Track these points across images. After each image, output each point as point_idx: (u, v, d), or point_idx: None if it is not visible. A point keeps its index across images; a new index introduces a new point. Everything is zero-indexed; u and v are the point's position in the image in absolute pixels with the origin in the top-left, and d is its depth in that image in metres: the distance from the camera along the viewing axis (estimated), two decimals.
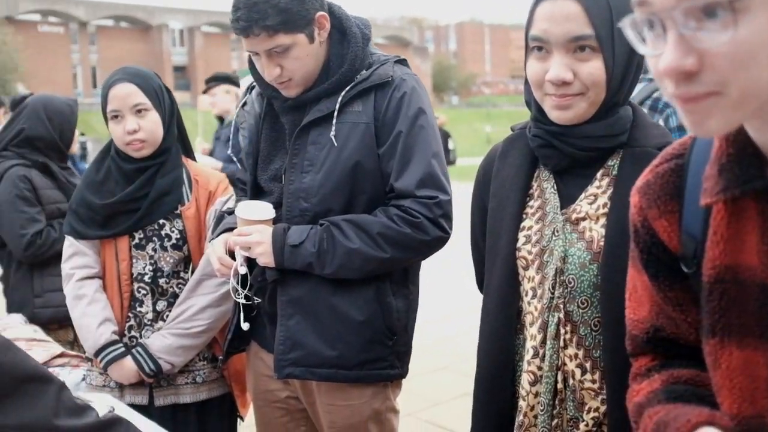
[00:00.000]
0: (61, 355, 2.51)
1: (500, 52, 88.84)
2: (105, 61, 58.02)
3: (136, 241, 2.35)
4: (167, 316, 2.36)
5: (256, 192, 2.15)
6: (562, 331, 1.47)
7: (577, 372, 1.46)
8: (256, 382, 2.22)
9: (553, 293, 1.47)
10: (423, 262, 2.15)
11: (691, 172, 0.98)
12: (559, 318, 1.47)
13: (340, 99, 1.98)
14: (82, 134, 16.69)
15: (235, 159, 2.28)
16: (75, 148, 4.72)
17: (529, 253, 1.52)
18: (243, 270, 2.00)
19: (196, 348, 2.35)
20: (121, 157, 2.38)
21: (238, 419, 2.55)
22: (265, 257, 1.97)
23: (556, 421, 1.48)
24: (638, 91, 2.41)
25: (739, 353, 0.88)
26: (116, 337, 2.31)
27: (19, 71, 32.53)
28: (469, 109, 66.80)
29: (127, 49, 57.35)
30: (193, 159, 2.57)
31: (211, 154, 5.92)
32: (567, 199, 1.52)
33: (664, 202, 1.01)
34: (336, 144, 1.97)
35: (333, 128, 1.97)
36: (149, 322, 2.36)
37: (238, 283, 2.04)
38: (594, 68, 1.41)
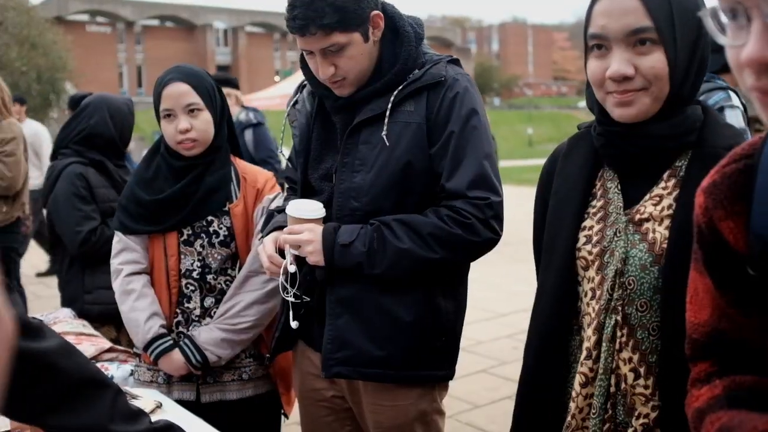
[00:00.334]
0: (109, 350, 2.55)
1: (543, 54, 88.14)
2: (150, 60, 58.81)
3: (185, 237, 2.38)
4: (214, 312, 2.39)
5: (307, 191, 2.15)
6: (619, 333, 1.44)
7: (630, 376, 1.44)
8: (303, 381, 2.23)
9: (611, 295, 1.45)
10: None
11: (763, 172, 0.96)
12: (616, 320, 1.44)
13: (392, 98, 1.97)
14: None
15: (284, 158, 2.30)
16: (132, 146, 4.83)
17: (590, 253, 1.50)
18: (292, 269, 2.01)
19: (242, 343, 2.37)
20: (171, 155, 2.41)
21: (283, 416, 2.57)
22: (315, 256, 1.97)
23: (607, 425, 1.46)
24: None
25: None
26: (164, 331, 2.35)
27: (67, 70, 33.04)
28: (511, 111, 66.35)
29: (171, 48, 58.03)
30: (241, 157, 2.59)
31: None
32: (631, 200, 1.49)
33: (732, 202, 0.99)
34: (387, 143, 1.96)
35: (385, 128, 1.97)
36: (197, 318, 2.39)
37: (287, 282, 2.05)
38: (655, 61, 1.38)
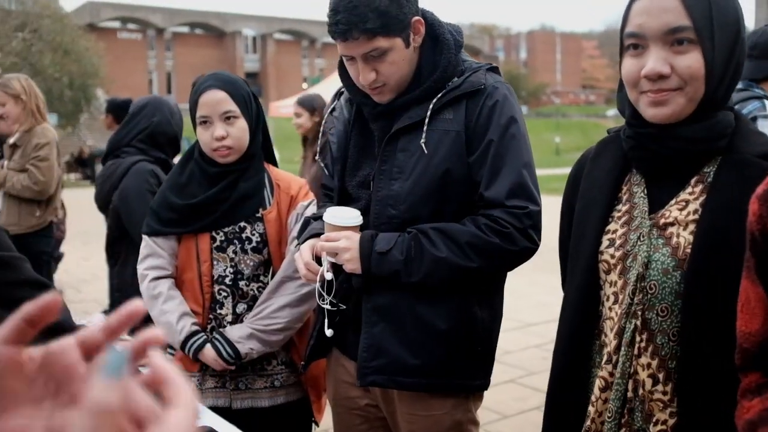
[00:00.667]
0: None
1: (571, 62, 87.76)
2: (180, 66, 59.42)
3: (217, 243, 2.39)
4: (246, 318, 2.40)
5: (344, 198, 2.15)
6: (638, 338, 1.43)
7: (648, 382, 1.42)
8: (337, 389, 2.22)
9: (632, 299, 1.44)
10: None
11: None
12: (635, 325, 1.43)
13: (431, 106, 1.97)
14: None
15: (321, 165, 2.30)
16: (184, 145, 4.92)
17: (612, 256, 1.49)
18: (329, 276, 2.01)
19: (272, 344, 2.37)
20: (206, 161, 2.42)
21: (313, 424, 2.57)
22: (352, 263, 1.97)
23: (624, 430, 1.45)
24: None
25: None
26: (196, 328, 2.35)
27: (99, 77, 33.52)
28: (539, 119, 66.12)
29: (201, 55, 58.61)
30: (275, 165, 2.60)
31: None
32: (656, 204, 1.48)
33: None
34: (426, 151, 1.96)
35: (423, 135, 1.96)
36: (229, 325, 2.39)
37: (323, 289, 2.05)
38: (693, 61, 1.37)
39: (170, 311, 2.36)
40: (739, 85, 2.71)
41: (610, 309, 1.49)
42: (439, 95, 1.98)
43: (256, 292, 2.42)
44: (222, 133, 2.33)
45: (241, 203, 2.39)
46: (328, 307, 2.06)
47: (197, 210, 2.38)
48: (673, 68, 1.37)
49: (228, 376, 2.39)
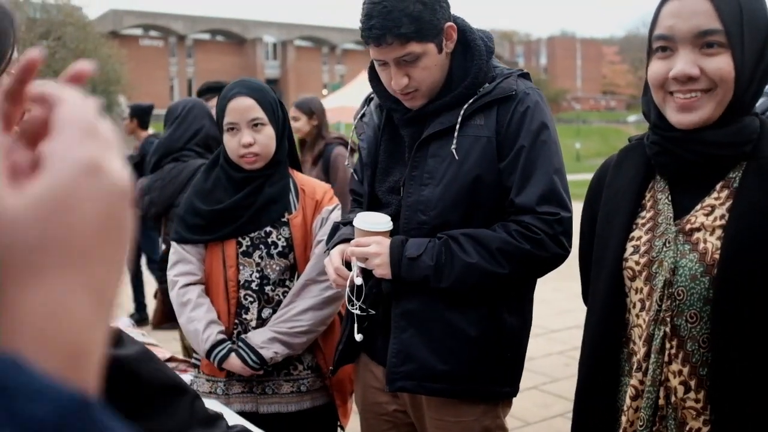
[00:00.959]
0: (169, 360, 2.57)
1: (591, 68, 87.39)
2: (201, 73, 59.73)
3: (243, 248, 2.40)
4: None
5: (374, 203, 2.16)
6: (668, 345, 1.42)
7: (680, 389, 1.41)
8: (365, 394, 2.22)
9: (660, 306, 1.43)
10: None
11: None
12: (665, 332, 1.42)
13: (462, 112, 1.97)
14: None
15: (352, 170, 2.31)
16: None
17: (636, 263, 1.48)
18: (359, 281, 2.01)
19: (296, 347, 2.37)
20: (231, 167, 2.43)
21: (339, 429, 2.57)
22: (382, 269, 1.97)
23: None
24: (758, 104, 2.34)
25: None
26: (222, 336, 2.36)
27: (121, 84, 33.82)
28: (559, 125, 65.72)
29: (221, 61, 58.90)
30: (300, 170, 2.61)
31: None
32: (681, 210, 1.48)
33: None
34: (457, 157, 1.96)
35: (454, 141, 1.96)
36: (254, 330, 2.40)
37: (353, 294, 2.05)
38: (723, 63, 1.37)
39: (198, 319, 2.37)
40: None
41: (638, 316, 1.49)
42: (471, 101, 1.98)
43: (281, 297, 2.43)
44: (249, 140, 2.34)
45: (267, 208, 2.41)
46: (357, 312, 2.06)
47: (223, 215, 2.40)
48: (703, 70, 1.37)
49: (255, 381, 2.39)
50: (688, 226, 1.44)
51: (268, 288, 2.40)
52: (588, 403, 1.58)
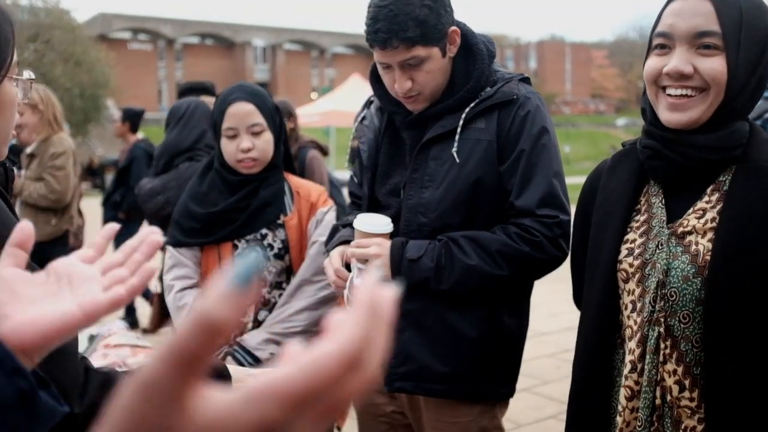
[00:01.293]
0: None
1: (581, 71, 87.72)
2: (189, 77, 59.59)
3: (240, 251, 2.40)
4: None
5: (373, 206, 2.17)
6: (662, 345, 1.45)
7: (675, 388, 1.44)
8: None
9: (653, 307, 1.45)
10: None
11: None
12: (659, 332, 1.45)
13: (464, 115, 1.99)
14: None
15: (352, 172, 2.32)
16: None
17: (630, 265, 1.51)
18: (359, 282, 2.02)
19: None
20: (227, 170, 2.44)
21: (335, 430, 2.57)
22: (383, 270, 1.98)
23: None
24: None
25: None
26: None
27: (109, 87, 33.77)
28: None
29: (210, 65, 58.84)
30: (294, 173, 2.62)
31: None
32: (674, 213, 1.50)
33: None
34: (458, 160, 1.98)
35: (456, 144, 1.98)
36: (249, 332, 2.40)
37: (352, 296, 2.05)
38: (716, 64, 1.40)
39: None
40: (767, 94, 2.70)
41: (629, 317, 1.51)
42: (472, 105, 2.00)
43: (277, 299, 2.43)
44: (248, 145, 2.35)
45: (262, 210, 2.41)
46: None
47: (218, 218, 2.40)
48: (696, 69, 1.41)
49: None
50: (681, 229, 1.46)
51: (264, 290, 2.41)
52: (582, 404, 1.60)
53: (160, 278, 2.91)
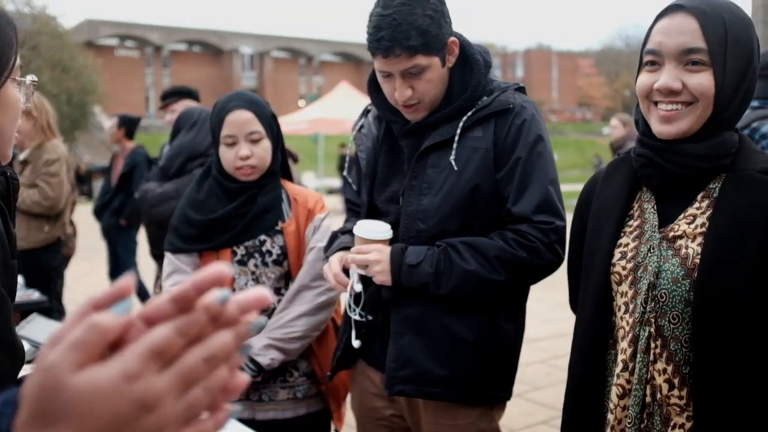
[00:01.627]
0: None
1: (568, 80, 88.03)
2: (177, 84, 59.31)
3: (238, 257, 2.43)
4: None
5: (372, 213, 2.20)
6: (653, 345, 1.50)
7: (665, 387, 1.49)
8: (361, 400, 2.26)
9: (645, 308, 1.51)
10: None
11: None
12: (650, 332, 1.50)
13: (461, 124, 2.02)
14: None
15: (349, 180, 2.35)
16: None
17: (623, 268, 1.56)
18: (359, 288, 2.05)
19: (291, 352, 2.40)
20: (225, 177, 2.46)
21: None
22: (383, 276, 2.01)
23: None
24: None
25: None
26: None
27: (97, 93, 33.59)
28: None
29: (198, 72, 58.62)
30: (291, 180, 2.64)
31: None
32: (666, 219, 1.56)
33: None
34: (456, 168, 2.01)
35: (453, 152, 2.01)
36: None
37: (352, 301, 2.08)
38: (704, 79, 1.45)
39: None
40: (755, 103, 2.76)
41: (622, 318, 1.57)
42: (469, 113, 2.04)
43: (276, 305, 2.45)
44: (247, 152, 2.38)
45: (260, 217, 2.44)
46: (357, 318, 2.10)
47: (217, 225, 2.42)
48: (685, 85, 1.47)
49: (251, 388, 2.42)
50: (672, 234, 1.52)
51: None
52: (578, 402, 1.65)
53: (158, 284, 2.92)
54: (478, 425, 2.09)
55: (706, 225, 1.47)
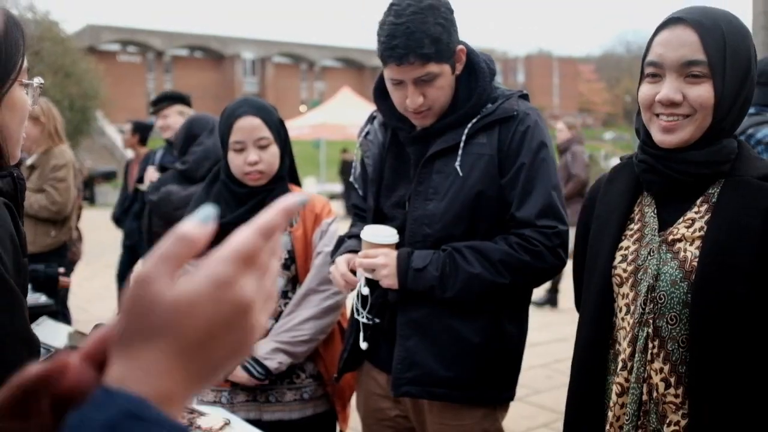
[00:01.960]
0: None
1: (568, 85, 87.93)
2: (178, 88, 59.16)
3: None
4: None
5: (379, 218, 2.24)
6: (650, 345, 1.55)
7: (661, 386, 1.53)
8: (367, 401, 2.30)
9: (644, 309, 1.55)
10: None
11: None
12: (648, 332, 1.55)
13: (466, 131, 2.07)
14: None
15: (356, 185, 2.39)
16: None
17: (624, 270, 1.61)
18: (366, 291, 2.10)
19: (298, 355, 2.43)
20: (234, 182, 2.50)
21: None
22: (389, 279, 2.05)
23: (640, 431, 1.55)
24: None
25: None
26: None
27: (99, 99, 33.58)
28: None
29: (200, 77, 58.62)
30: (299, 186, 2.69)
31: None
32: (666, 223, 1.61)
33: None
34: (461, 173, 2.05)
35: (459, 158, 2.06)
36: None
37: (360, 304, 2.13)
38: (703, 91, 1.50)
39: None
40: (751, 110, 2.81)
41: (623, 319, 1.62)
42: (474, 120, 2.08)
43: (284, 308, 2.49)
44: (255, 158, 2.42)
45: None
46: (364, 320, 2.14)
47: (227, 229, 2.45)
48: (685, 97, 1.51)
49: (258, 389, 2.46)
50: (671, 237, 1.57)
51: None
52: (580, 400, 1.69)
53: None
54: (482, 426, 2.13)
55: (705, 229, 1.52)
